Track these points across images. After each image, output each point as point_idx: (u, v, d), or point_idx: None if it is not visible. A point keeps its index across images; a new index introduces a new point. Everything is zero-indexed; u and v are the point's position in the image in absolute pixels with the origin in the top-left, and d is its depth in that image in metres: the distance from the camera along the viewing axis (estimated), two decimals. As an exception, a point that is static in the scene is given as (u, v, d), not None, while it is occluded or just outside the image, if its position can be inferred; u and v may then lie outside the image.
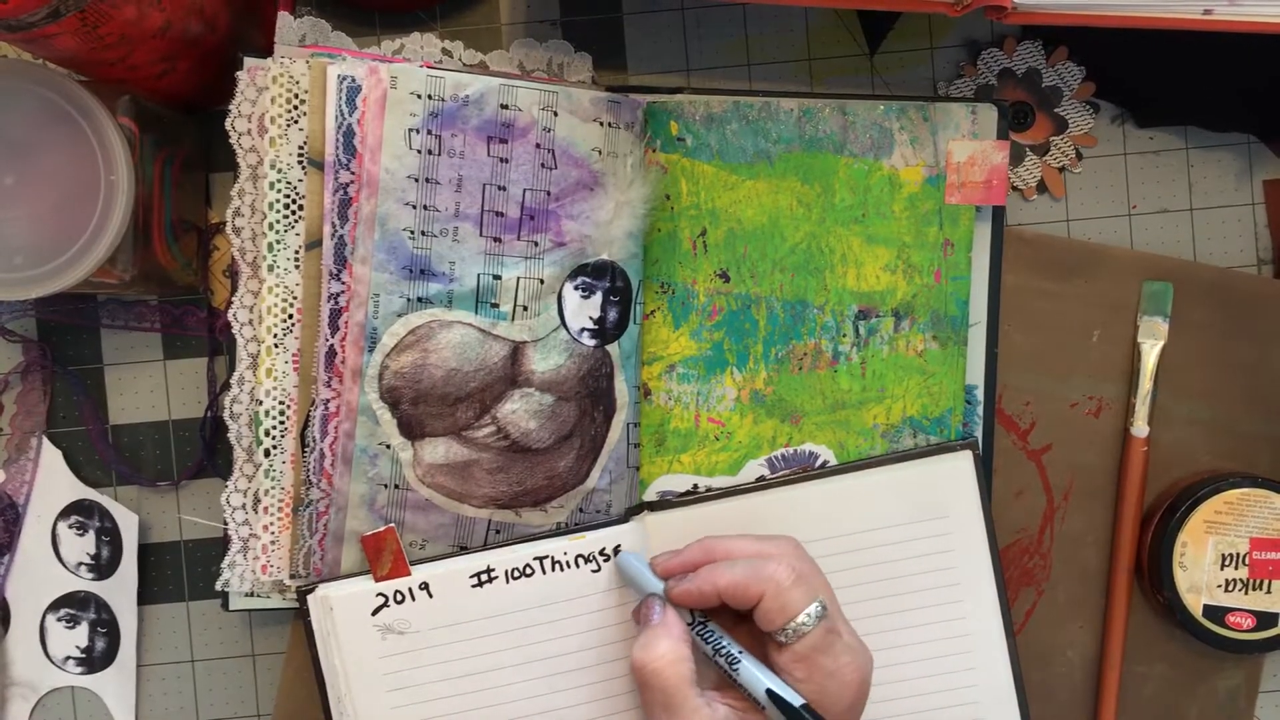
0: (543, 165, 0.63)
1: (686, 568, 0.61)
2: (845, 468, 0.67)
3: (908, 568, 0.66)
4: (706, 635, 0.59)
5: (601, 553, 0.64)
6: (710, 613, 0.60)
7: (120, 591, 0.70)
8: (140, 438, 0.71)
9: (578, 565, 0.64)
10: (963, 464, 0.66)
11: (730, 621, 0.60)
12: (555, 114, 0.63)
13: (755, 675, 0.57)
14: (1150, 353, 0.69)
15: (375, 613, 0.64)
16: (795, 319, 0.67)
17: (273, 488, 0.65)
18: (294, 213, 0.64)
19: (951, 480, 0.66)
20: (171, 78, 0.63)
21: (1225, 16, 0.59)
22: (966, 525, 0.66)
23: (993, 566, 0.66)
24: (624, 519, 0.66)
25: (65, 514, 0.70)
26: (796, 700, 0.56)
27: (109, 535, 0.70)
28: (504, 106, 0.63)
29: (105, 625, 0.70)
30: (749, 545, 0.60)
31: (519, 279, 0.63)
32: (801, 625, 0.56)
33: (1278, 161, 0.71)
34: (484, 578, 0.64)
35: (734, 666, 0.57)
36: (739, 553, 0.60)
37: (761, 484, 0.67)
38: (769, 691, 0.56)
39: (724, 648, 0.58)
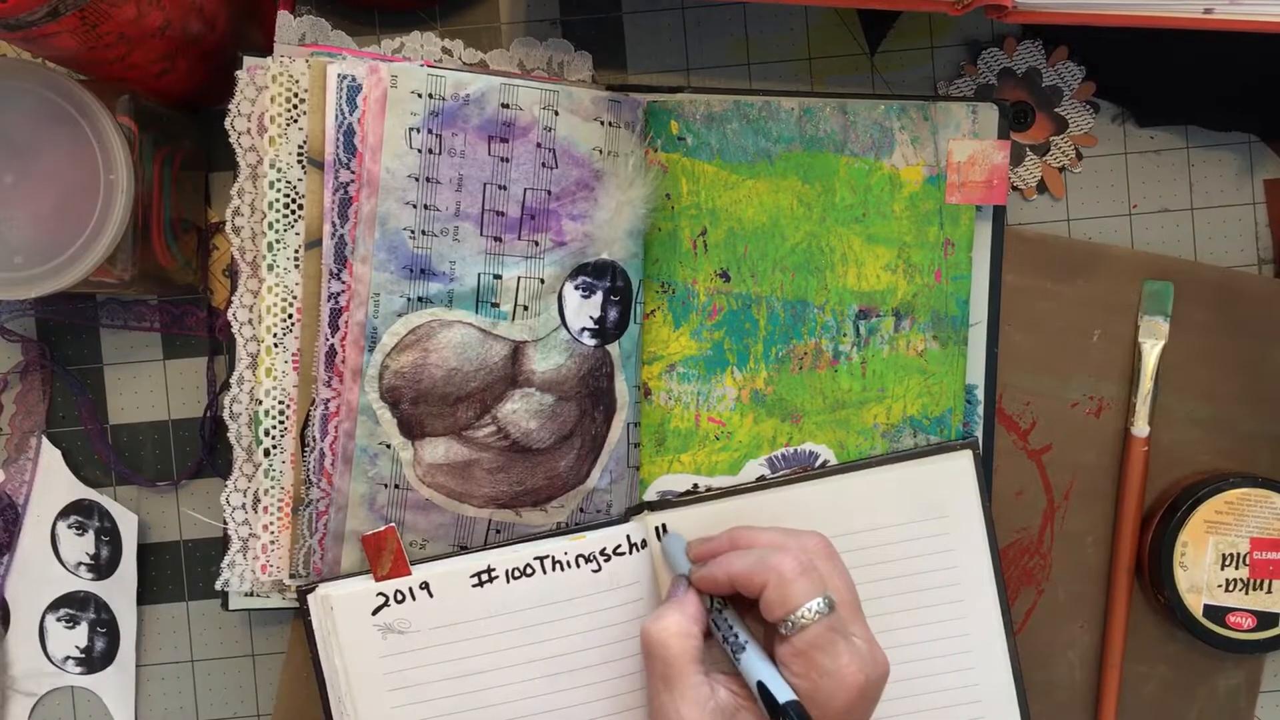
0: (543, 164, 0.63)
1: (713, 554, 0.61)
2: (845, 467, 0.67)
3: (908, 567, 0.66)
4: (720, 622, 0.59)
5: (602, 553, 0.65)
6: (741, 603, 0.60)
7: (120, 591, 0.70)
8: (140, 437, 0.71)
9: (578, 565, 0.64)
10: (963, 464, 0.66)
11: (759, 613, 0.60)
12: (556, 113, 0.63)
13: (753, 665, 0.57)
14: (1151, 352, 0.69)
15: (376, 612, 0.64)
16: (796, 318, 0.67)
17: (272, 487, 0.65)
18: (294, 212, 0.64)
19: (952, 480, 0.66)
20: (171, 77, 0.63)
21: (1225, 16, 0.59)
22: (967, 525, 0.66)
23: (993, 566, 0.66)
24: (624, 519, 0.66)
25: (65, 514, 0.70)
26: (783, 696, 0.55)
27: (108, 535, 0.70)
28: (505, 105, 0.62)
29: (105, 625, 0.70)
30: (772, 536, 0.60)
31: (519, 278, 0.63)
32: (800, 619, 0.56)
33: (1278, 160, 0.71)
34: (484, 577, 0.64)
35: (737, 655, 0.57)
36: (760, 543, 0.60)
37: (762, 484, 0.67)
38: (759, 684, 0.56)
39: (733, 636, 0.58)
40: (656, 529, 0.65)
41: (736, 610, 0.60)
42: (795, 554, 0.57)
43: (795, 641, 0.56)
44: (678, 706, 0.56)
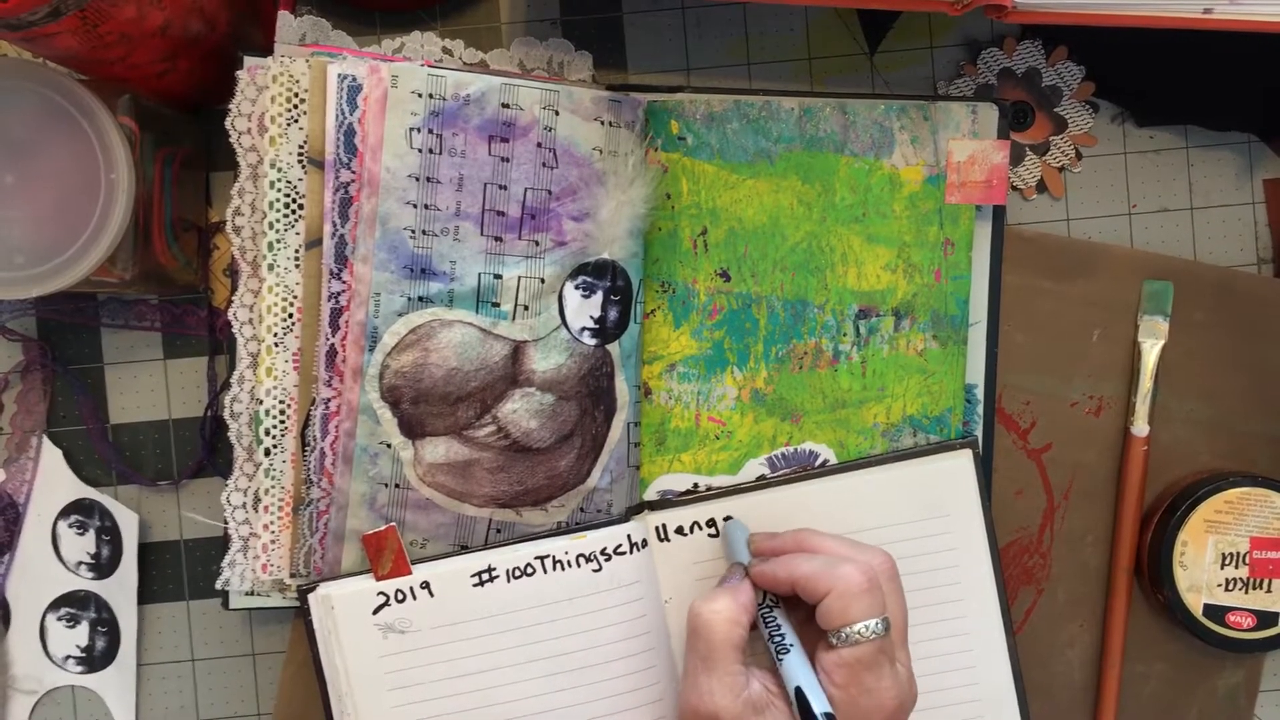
0: (544, 164, 0.63)
1: (776, 552, 0.62)
2: (845, 467, 0.67)
3: (908, 567, 0.66)
4: (768, 619, 0.60)
5: (602, 552, 0.65)
6: (790, 606, 0.60)
7: (120, 591, 0.70)
8: (140, 437, 0.71)
9: (579, 565, 0.64)
10: (962, 463, 0.66)
11: (804, 617, 0.60)
12: (556, 113, 0.63)
13: (795, 670, 0.57)
14: (1150, 352, 0.69)
15: (376, 611, 0.64)
16: (796, 318, 0.67)
17: (273, 487, 0.65)
18: (294, 212, 0.64)
19: (951, 479, 0.66)
20: (172, 77, 0.63)
21: (1225, 16, 0.59)
22: (966, 524, 0.66)
23: (992, 566, 0.66)
24: (625, 518, 0.66)
25: (65, 513, 0.70)
26: (821, 707, 0.56)
27: (109, 534, 0.70)
28: (505, 105, 0.63)
29: (105, 624, 0.70)
30: (839, 546, 0.60)
31: (520, 278, 0.63)
32: (856, 633, 0.56)
33: (1278, 160, 0.71)
34: (485, 577, 0.64)
35: (780, 655, 0.58)
36: (826, 550, 0.60)
37: (762, 483, 0.67)
38: (798, 689, 0.56)
39: (780, 636, 0.59)
40: (658, 528, 0.65)
41: (785, 611, 0.60)
42: (863, 569, 0.58)
43: (844, 653, 0.57)
44: (712, 688, 0.57)
